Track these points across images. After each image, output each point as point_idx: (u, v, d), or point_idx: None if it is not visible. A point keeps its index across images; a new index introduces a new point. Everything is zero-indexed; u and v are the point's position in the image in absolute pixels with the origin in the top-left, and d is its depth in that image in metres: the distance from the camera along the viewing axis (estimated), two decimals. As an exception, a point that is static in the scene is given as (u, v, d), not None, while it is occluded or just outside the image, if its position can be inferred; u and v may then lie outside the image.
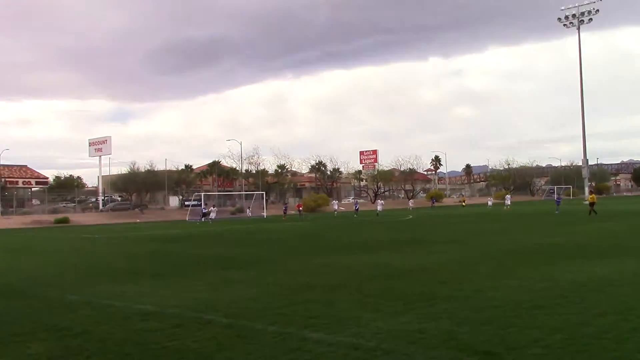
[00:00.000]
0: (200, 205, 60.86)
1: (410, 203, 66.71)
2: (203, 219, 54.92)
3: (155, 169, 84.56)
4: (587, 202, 46.35)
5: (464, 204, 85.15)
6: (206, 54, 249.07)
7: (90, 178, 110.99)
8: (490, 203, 72.69)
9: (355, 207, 64.50)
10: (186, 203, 75.14)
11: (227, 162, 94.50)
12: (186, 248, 24.77)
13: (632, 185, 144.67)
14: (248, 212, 60.33)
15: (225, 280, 13.87)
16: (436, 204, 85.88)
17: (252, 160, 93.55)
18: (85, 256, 22.58)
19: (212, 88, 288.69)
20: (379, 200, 71.19)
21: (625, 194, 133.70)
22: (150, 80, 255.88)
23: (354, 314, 9.42)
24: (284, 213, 60.29)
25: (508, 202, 65.69)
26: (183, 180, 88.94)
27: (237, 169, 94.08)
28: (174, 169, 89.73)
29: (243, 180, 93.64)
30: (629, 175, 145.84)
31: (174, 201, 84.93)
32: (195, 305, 10.56)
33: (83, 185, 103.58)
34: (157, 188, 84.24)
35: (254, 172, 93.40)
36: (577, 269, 13.83)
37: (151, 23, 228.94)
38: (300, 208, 62.94)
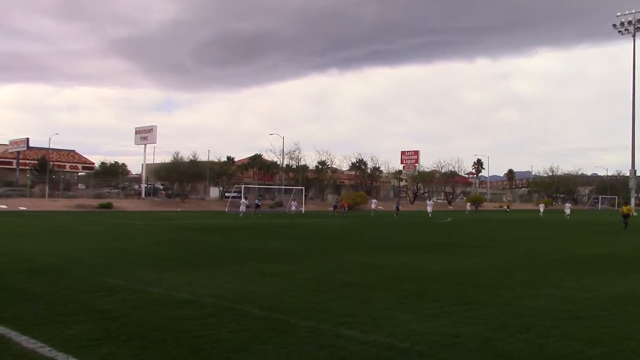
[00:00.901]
0: (240, 197, 61.32)
1: (429, 208, 59.42)
2: (257, 211, 55.50)
3: (198, 160, 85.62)
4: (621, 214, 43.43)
5: (508, 209, 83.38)
6: (253, 48, 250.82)
7: (135, 165, 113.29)
8: (541, 210, 67.56)
9: (397, 206, 63.62)
10: (226, 194, 75.87)
11: (268, 156, 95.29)
12: (224, 239, 25.03)
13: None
14: (292, 207, 59.85)
15: (261, 273, 13.95)
16: (478, 209, 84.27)
17: (293, 155, 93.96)
18: (125, 241, 23.01)
19: (256, 82, 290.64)
20: (428, 201, 68.43)
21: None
22: (197, 71, 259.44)
23: (388, 314, 9.37)
24: (334, 209, 60.66)
25: (568, 210, 61.46)
26: (224, 172, 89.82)
27: (278, 163, 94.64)
28: (216, 161, 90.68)
29: (283, 174, 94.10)
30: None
31: (214, 192, 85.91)
32: (231, 296, 10.65)
33: (127, 172, 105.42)
34: (198, 178, 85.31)
35: (295, 167, 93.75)
36: (620, 282, 13.47)
37: (201, 15, 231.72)
38: (346, 206, 61.08)
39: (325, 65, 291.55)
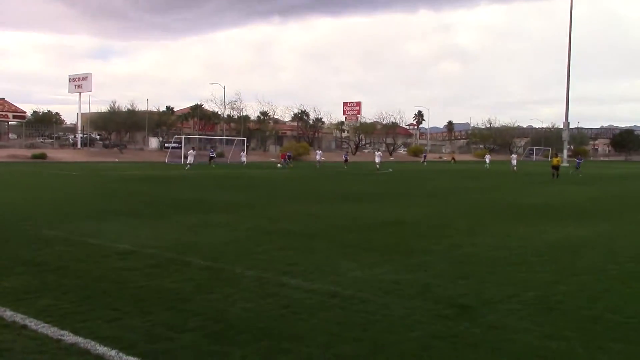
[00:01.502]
0: (180, 147, 60.21)
1: (377, 159, 55.44)
2: (211, 162, 54.56)
3: (136, 109, 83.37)
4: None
5: (453, 160, 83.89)
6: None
7: (69, 115, 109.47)
8: (487, 161, 65.94)
9: (345, 157, 59.69)
10: (166, 145, 74.46)
11: (209, 106, 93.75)
12: (166, 190, 24.65)
13: (609, 151, 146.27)
14: (243, 157, 58.21)
15: (205, 224, 13.85)
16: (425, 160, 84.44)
17: (234, 106, 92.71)
18: (62, 193, 22.39)
19: (197, 30, 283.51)
20: (376, 152, 63.54)
21: (602, 158, 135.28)
22: (135, 17, 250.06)
23: (332, 262, 9.49)
24: (289, 159, 58.54)
25: (514, 162, 60.29)
26: (164, 122, 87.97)
27: (219, 113, 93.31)
28: (155, 110, 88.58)
29: (225, 125, 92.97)
30: (608, 141, 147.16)
31: (153, 142, 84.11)
32: (174, 247, 10.54)
33: (62, 122, 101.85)
34: (137, 128, 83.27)
35: (236, 117, 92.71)
36: (553, 229, 14.03)
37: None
38: (288, 155, 59.09)
39: (267, 12, 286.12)
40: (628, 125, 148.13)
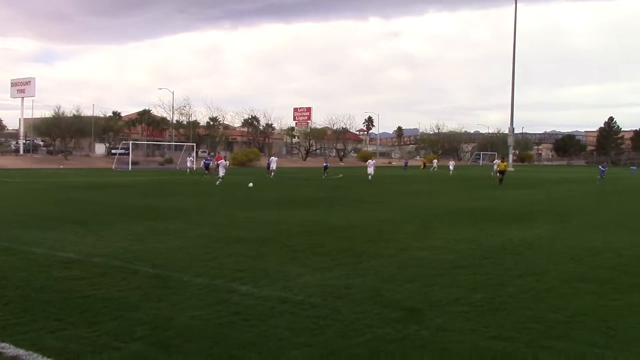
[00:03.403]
0: (128, 154, 58.93)
1: (370, 169, 43.04)
2: (206, 173, 46.71)
3: (82, 115, 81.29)
4: (496, 170, 43.56)
5: (434, 167, 76.43)
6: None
7: (11, 120, 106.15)
8: (451, 167, 62.00)
9: (325, 165, 51.45)
10: (113, 151, 72.98)
11: (157, 112, 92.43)
12: (112, 197, 24.14)
13: (552, 155, 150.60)
14: (188, 163, 53.39)
15: (152, 231, 13.63)
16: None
17: (183, 111, 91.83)
18: (4, 200, 21.67)
19: (145, 34, 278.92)
20: (370, 161, 48.22)
21: (545, 163, 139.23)
22: (79, 20, 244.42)
23: (282, 268, 9.48)
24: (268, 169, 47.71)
25: (452, 166, 60.77)
26: (110, 128, 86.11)
27: (168, 119, 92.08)
28: (102, 116, 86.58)
29: (173, 130, 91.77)
30: (551, 146, 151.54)
31: (100, 148, 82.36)
32: (121, 255, 10.34)
33: (3, 127, 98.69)
34: (82, 134, 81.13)
35: (185, 123, 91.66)
36: (498, 232, 14.37)
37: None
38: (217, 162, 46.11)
39: (217, 18, 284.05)
40: (570, 131, 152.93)
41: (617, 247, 12.33)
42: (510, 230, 14.71)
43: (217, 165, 44.99)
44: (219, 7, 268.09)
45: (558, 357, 5.59)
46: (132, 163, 57.06)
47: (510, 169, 73.44)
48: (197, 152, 68.97)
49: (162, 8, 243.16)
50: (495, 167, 56.75)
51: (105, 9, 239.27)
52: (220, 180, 34.72)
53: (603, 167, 46.06)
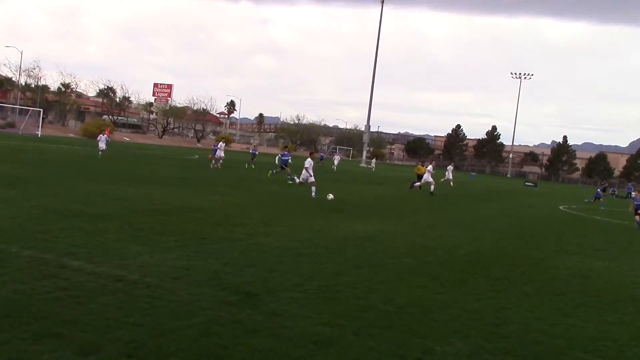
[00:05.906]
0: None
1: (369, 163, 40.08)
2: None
3: None
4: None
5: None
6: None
7: None
8: (373, 165, 63.33)
9: (253, 153, 45.21)
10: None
11: (2, 71, 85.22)
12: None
13: (404, 155, 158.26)
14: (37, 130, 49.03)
15: (-19, 198, 12.57)
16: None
17: (32, 74, 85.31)
18: None
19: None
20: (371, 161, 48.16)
21: (397, 162, 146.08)
22: None
23: (121, 245, 9.15)
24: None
25: (336, 161, 59.54)
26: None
27: (14, 80, 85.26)
28: None
29: (19, 93, 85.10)
30: (403, 146, 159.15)
31: None
32: (-61, 221, 9.44)
33: None
34: None
35: (33, 86, 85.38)
36: (344, 224, 14.85)
37: None
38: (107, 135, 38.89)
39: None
40: (421, 134, 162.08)
41: (449, 245, 13.23)
42: (355, 223, 15.23)
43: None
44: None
45: (380, 344, 5.90)
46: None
47: (363, 165, 76.43)
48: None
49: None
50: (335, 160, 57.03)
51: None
52: (99, 153, 33.99)
53: (601, 188, 45.83)
